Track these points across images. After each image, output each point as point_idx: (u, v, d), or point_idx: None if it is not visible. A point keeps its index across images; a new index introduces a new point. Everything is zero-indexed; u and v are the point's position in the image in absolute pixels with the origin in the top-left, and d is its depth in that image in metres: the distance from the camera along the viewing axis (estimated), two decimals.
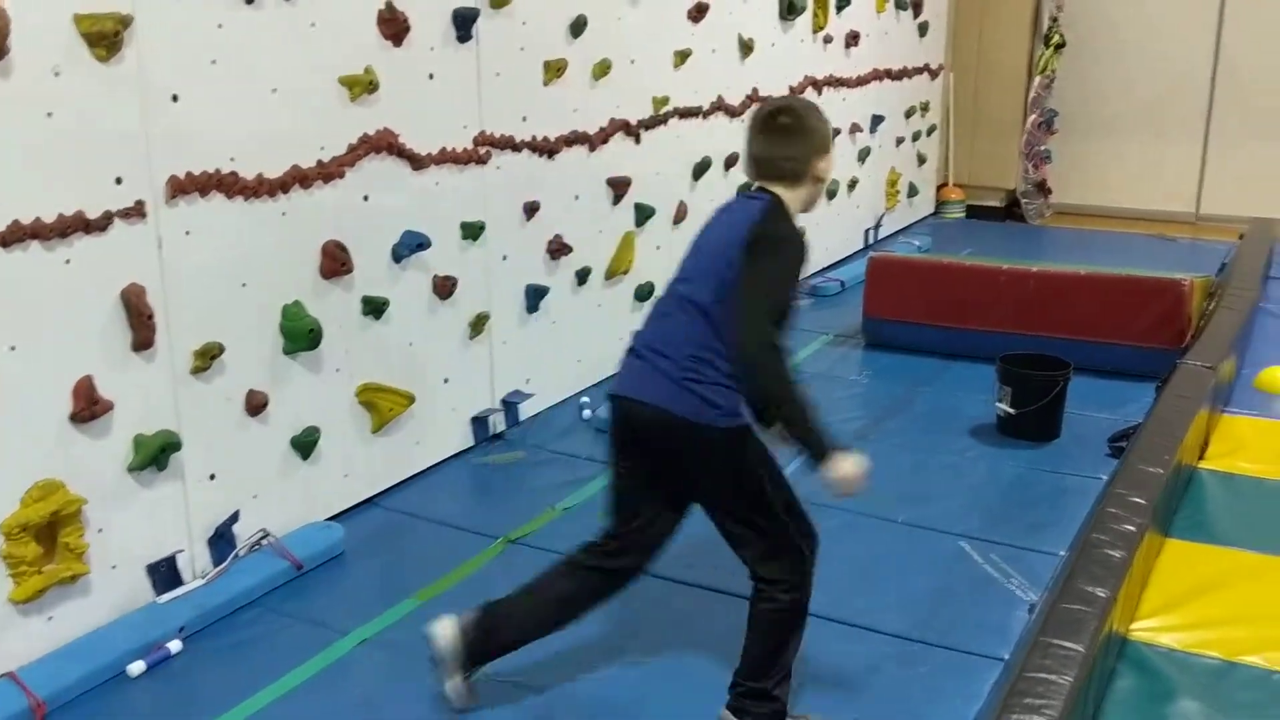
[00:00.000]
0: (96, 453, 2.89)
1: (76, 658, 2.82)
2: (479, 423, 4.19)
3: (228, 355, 3.19)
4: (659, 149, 5.10)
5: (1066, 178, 8.92)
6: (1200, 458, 4.06)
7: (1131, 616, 3.01)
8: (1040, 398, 4.27)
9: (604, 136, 4.68)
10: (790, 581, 2.49)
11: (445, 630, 2.60)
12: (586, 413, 4.52)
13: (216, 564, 3.23)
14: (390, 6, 3.54)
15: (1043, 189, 8.76)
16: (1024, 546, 3.45)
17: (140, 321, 2.92)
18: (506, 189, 4.17)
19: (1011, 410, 4.31)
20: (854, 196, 7.36)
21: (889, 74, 7.58)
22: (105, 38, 2.73)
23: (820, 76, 6.61)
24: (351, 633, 3.05)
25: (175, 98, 2.96)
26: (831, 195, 6.99)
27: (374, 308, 3.63)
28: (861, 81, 7.18)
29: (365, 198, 3.57)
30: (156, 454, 3.00)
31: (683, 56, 5.18)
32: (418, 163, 3.73)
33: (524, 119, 4.20)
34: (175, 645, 2.95)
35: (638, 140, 4.92)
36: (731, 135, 5.70)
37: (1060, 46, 8.56)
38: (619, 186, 4.82)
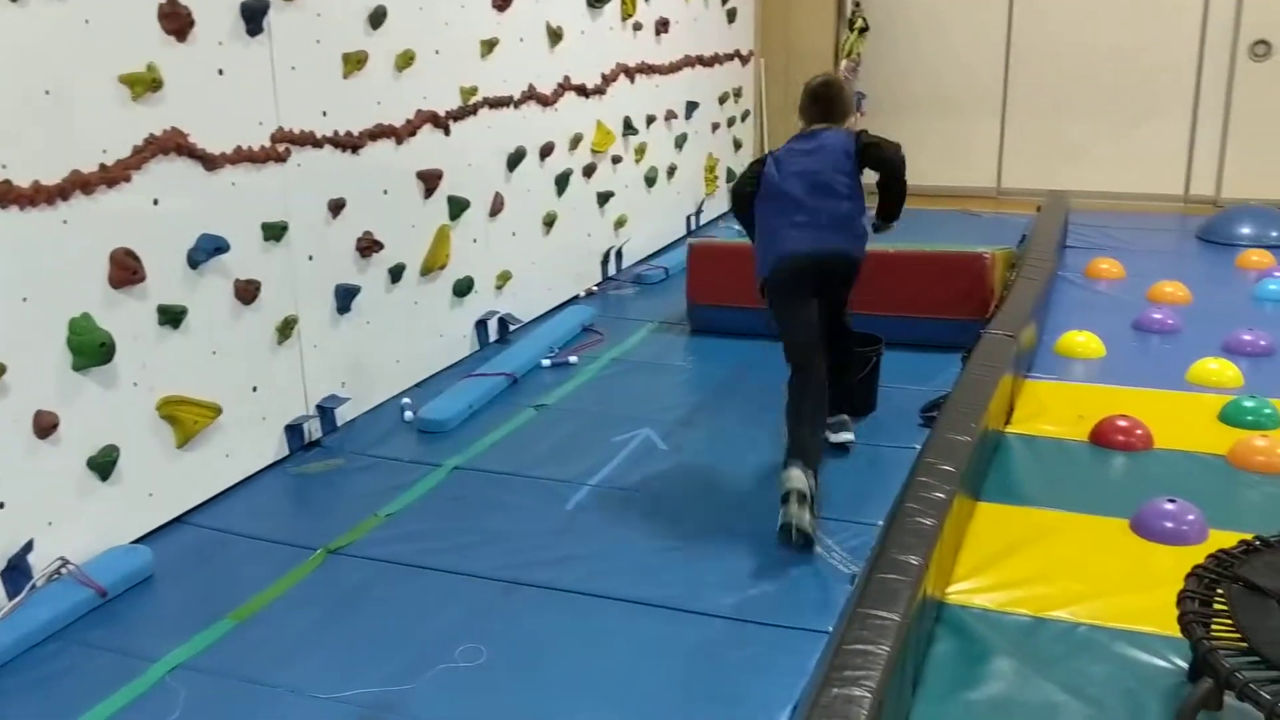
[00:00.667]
0: None
1: None
2: (293, 431, 4.05)
3: (10, 375, 2.98)
4: (470, 140, 5.01)
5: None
6: (1006, 423, 4.24)
7: (947, 581, 3.11)
8: (855, 373, 4.36)
9: (411, 129, 4.57)
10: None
11: (797, 475, 3.28)
12: (408, 414, 4.41)
13: (11, 597, 3.01)
14: (172, 1, 3.36)
15: None
16: (845, 519, 3.52)
17: None
18: (309, 187, 4.02)
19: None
20: (674, 183, 7.42)
21: (700, 60, 7.67)
22: None
23: (632, 64, 6.62)
24: (162, 659, 2.89)
25: None
26: (651, 182, 7.03)
27: (171, 317, 3.45)
28: (674, 68, 7.23)
29: (155, 201, 3.39)
30: None
31: (490, 46, 5.10)
32: (211, 163, 3.56)
33: (324, 114, 4.06)
34: None
35: (447, 132, 4.83)
36: (545, 124, 5.66)
37: (864, 30, 8.83)
38: (430, 179, 4.72)
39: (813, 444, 3.55)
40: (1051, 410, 4.40)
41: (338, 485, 3.90)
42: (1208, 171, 8.62)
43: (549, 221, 5.79)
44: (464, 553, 3.38)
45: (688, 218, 7.73)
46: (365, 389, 4.44)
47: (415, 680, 2.76)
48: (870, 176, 3.92)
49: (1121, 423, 4.08)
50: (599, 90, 6.21)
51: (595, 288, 6.35)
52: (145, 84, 3.30)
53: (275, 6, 3.77)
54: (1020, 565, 3.23)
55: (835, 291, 3.98)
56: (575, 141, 5.99)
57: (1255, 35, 8.29)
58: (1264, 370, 4.85)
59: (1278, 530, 2.85)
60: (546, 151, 5.69)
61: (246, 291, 3.75)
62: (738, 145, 8.59)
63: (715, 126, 8.07)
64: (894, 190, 3.96)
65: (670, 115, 7.25)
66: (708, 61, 7.80)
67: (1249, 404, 4.24)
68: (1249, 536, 2.82)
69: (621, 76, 6.49)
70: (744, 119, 8.67)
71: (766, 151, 4.45)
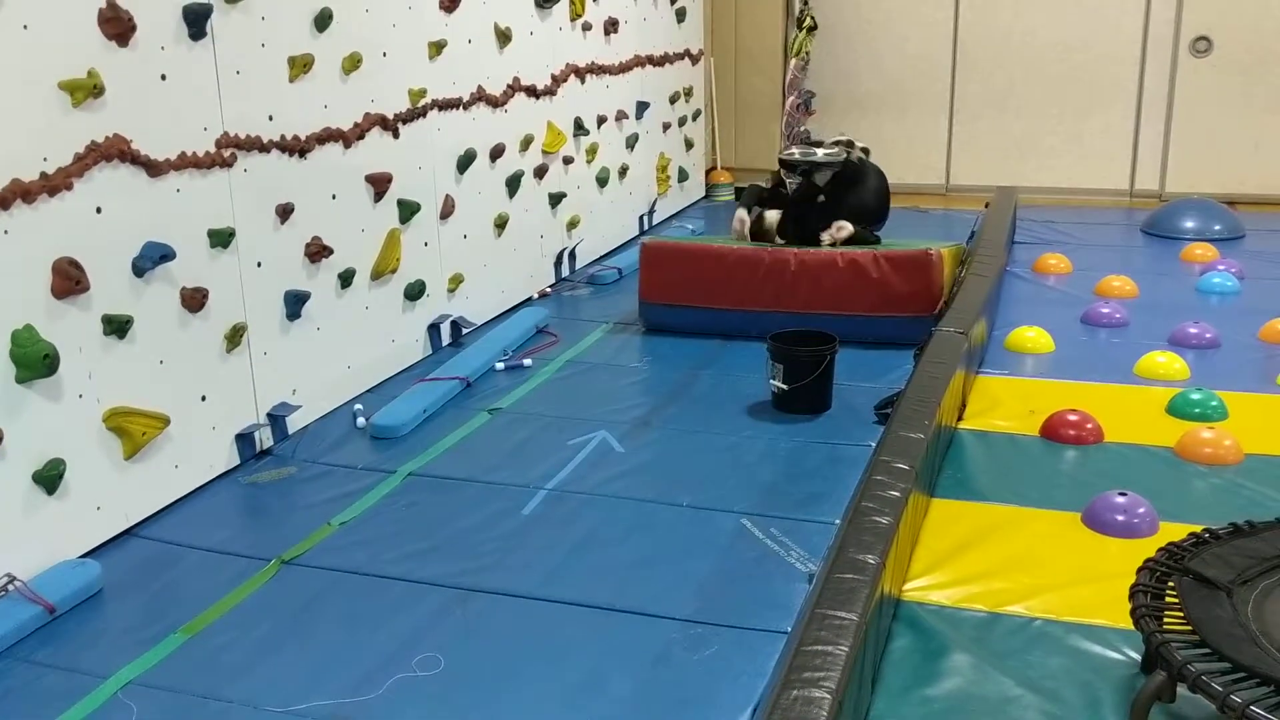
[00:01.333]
0: None
1: None
2: (244, 439, 3.99)
3: None
4: (419, 143, 4.97)
5: None
6: (959, 419, 4.27)
7: (903, 578, 3.13)
8: (810, 373, 4.39)
9: (359, 132, 4.52)
10: None
11: None
12: (360, 420, 4.37)
13: None
14: (112, 5, 3.30)
15: None
16: (801, 518, 3.53)
17: None
18: (256, 192, 3.97)
19: (784, 386, 4.41)
20: (626, 184, 7.41)
21: (650, 60, 7.66)
22: None
23: (582, 64, 6.60)
24: (113, 676, 2.83)
25: None
26: (603, 183, 7.02)
27: (117, 326, 3.39)
28: (624, 68, 7.23)
29: (98, 209, 3.33)
30: None
31: (438, 47, 5.06)
32: (155, 169, 3.50)
33: (270, 118, 4.01)
34: None
35: (396, 135, 4.78)
36: (496, 126, 5.63)
37: (813, 29, 8.87)
38: (379, 183, 4.67)
39: None
40: (1003, 405, 4.44)
41: (290, 494, 3.85)
42: (1152, 166, 8.74)
43: (500, 223, 5.76)
44: (420, 560, 3.35)
45: (640, 217, 7.72)
46: (317, 396, 4.39)
47: (373, 691, 2.73)
48: None
49: (1072, 417, 4.13)
50: (549, 91, 6.19)
51: (549, 289, 6.33)
52: (86, 90, 3.23)
53: (219, 10, 3.71)
54: (975, 561, 3.26)
55: None
56: (526, 143, 5.97)
57: (1196, 32, 8.43)
58: (1210, 362, 4.93)
59: (1226, 522, 2.90)
60: (497, 153, 5.66)
61: (194, 299, 3.69)
62: (689, 145, 8.59)
63: (666, 126, 8.07)
64: None
65: (621, 115, 7.24)
66: (658, 61, 7.80)
67: (1196, 396, 4.31)
68: (1198, 529, 2.86)
69: (572, 77, 6.47)
70: (695, 118, 8.68)
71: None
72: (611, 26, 6.95)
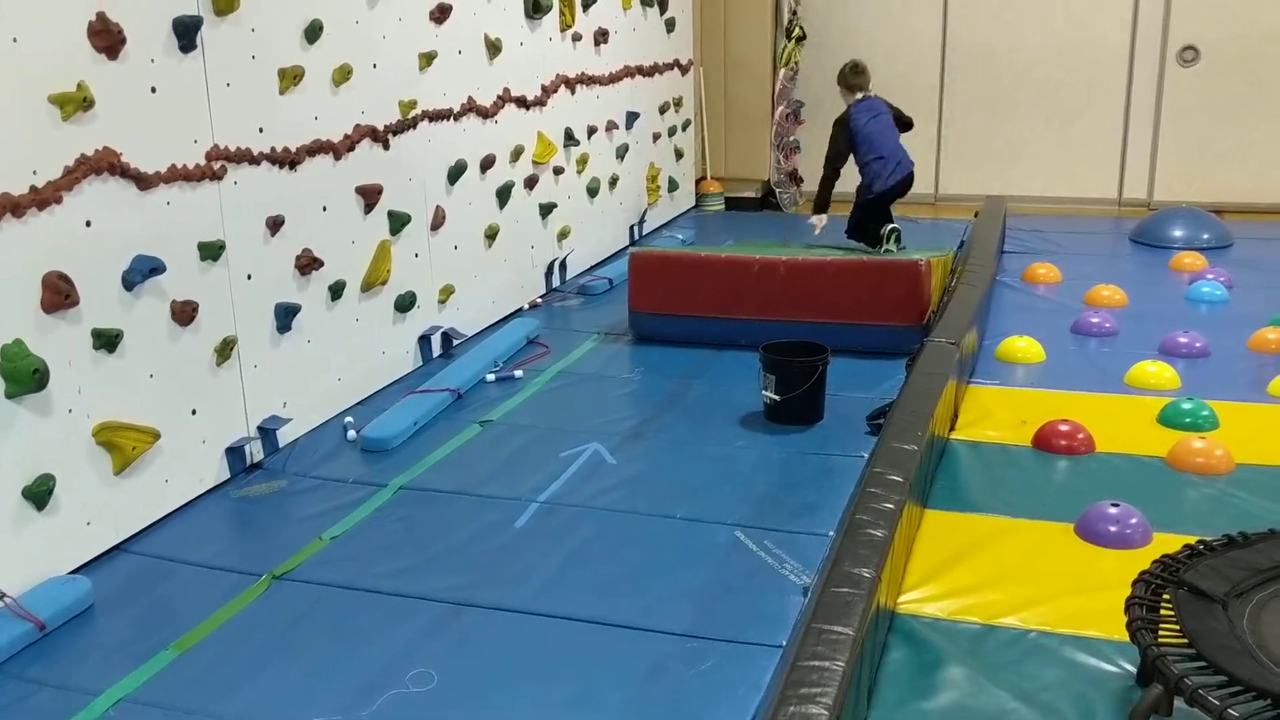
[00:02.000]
0: None
1: None
2: (234, 453, 3.97)
3: None
4: (410, 154, 4.96)
5: (815, 166, 9.24)
6: (951, 429, 4.27)
7: (898, 591, 3.13)
8: (802, 383, 4.38)
9: (350, 144, 4.51)
10: None
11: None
12: (351, 433, 4.35)
13: None
14: (102, 18, 3.29)
15: (794, 178, 9.08)
16: (795, 530, 3.52)
17: None
18: (247, 204, 3.95)
19: (777, 397, 4.41)
20: (616, 194, 7.41)
21: (640, 70, 7.67)
22: None
23: (572, 75, 6.60)
24: (104, 693, 2.81)
25: None
26: (594, 193, 7.02)
27: (106, 340, 3.37)
28: (614, 78, 7.23)
29: (88, 223, 3.31)
30: None
31: (428, 59, 5.05)
32: (145, 182, 3.48)
33: (261, 130, 4.00)
34: None
35: (386, 146, 4.77)
36: (486, 137, 5.63)
37: (801, 39, 8.88)
38: (369, 195, 4.66)
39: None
40: (995, 415, 4.44)
41: (281, 508, 3.83)
42: (1140, 175, 8.78)
43: (491, 234, 5.75)
44: (412, 574, 3.34)
45: (630, 227, 7.72)
46: (307, 408, 4.37)
47: (366, 707, 2.71)
48: None
49: (1063, 427, 4.13)
50: (539, 102, 6.19)
51: (539, 300, 6.32)
52: (76, 103, 3.22)
53: (209, 22, 3.70)
54: (969, 572, 3.26)
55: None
56: (516, 153, 5.96)
57: (1183, 41, 8.47)
58: (1200, 371, 4.94)
59: (1220, 533, 2.90)
60: (488, 164, 5.65)
61: (184, 313, 3.67)
62: (679, 154, 8.60)
63: (656, 136, 8.07)
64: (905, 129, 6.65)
65: (611, 125, 7.24)
66: (647, 71, 7.80)
67: (1187, 406, 4.32)
68: (1192, 540, 2.87)
69: (562, 88, 6.47)
70: (685, 128, 8.69)
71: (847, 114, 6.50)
72: (601, 37, 6.95)
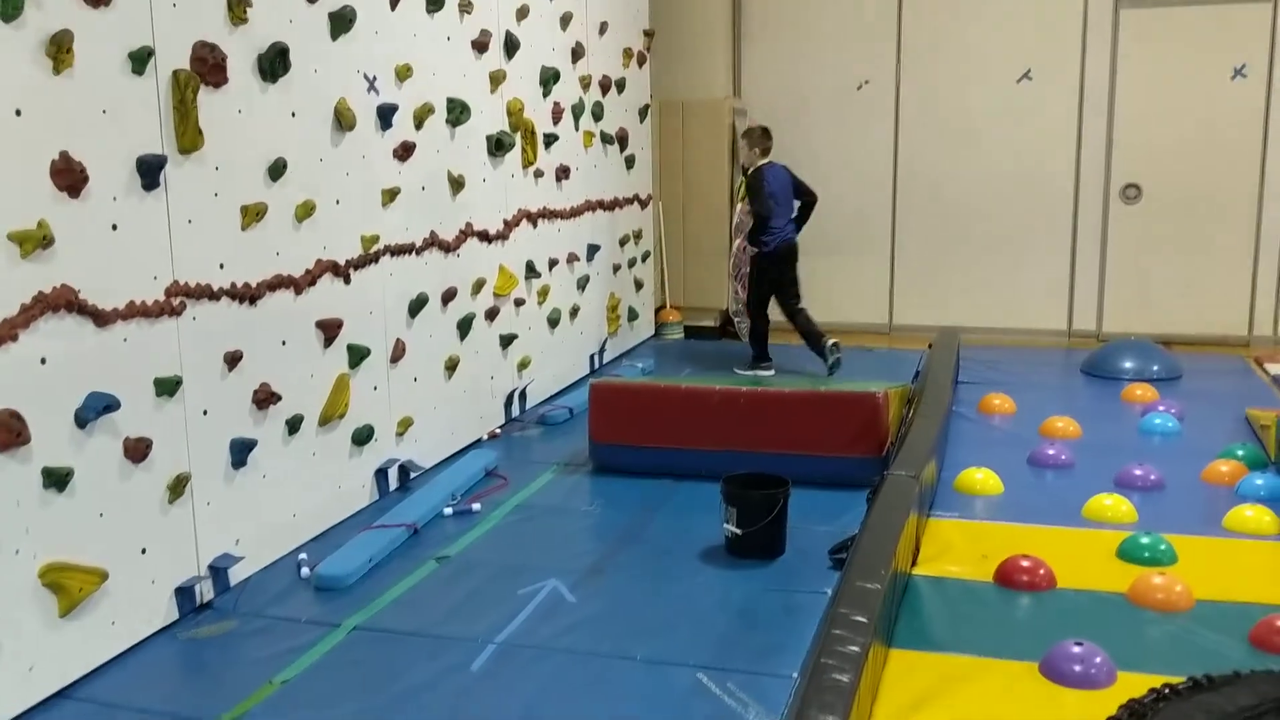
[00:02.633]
0: None
1: None
2: (184, 593, 3.86)
3: None
4: (371, 288, 4.98)
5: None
6: (913, 564, 4.25)
7: None
8: (763, 516, 4.37)
9: (311, 278, 4.52)
10: None
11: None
12: (305, 570, 4.26)
13: None
14: (65, 157, 3.30)
15: None
16: (759, 671, 3.46)
17: None
18: (204, 340, 3.93)
19: (738, 530, 4.39)
20: (576, 323, 7.46)
21: (601, 204, 7.81)
22: None
23: (534, 209, 6.71)
24: None
25: None
26: (555, 323, 7.07)
27: (56, 479, 3.30)
28: (575, 212, 7.35)
29: (43, 360, 3.27)
30: None
31: (391, 194, 5.12)
32: (102, 319, 3.46)
33: (221, 266, 4.00)
34: None
35: (347, 280, 4.79)
36: (448, 270, 5.67)
37: None
38: (329, 328, 4.66)
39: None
40: (956, 549, 4.43)
41: (230, 650, 3.72)
42: (1089, 307, 8.98)
43: (451, 366, 5.75)
44: None
45: (590, 357, 7.76)
46: (260, 545, 4.28)
47: None
48: None
49: (1024, 563, 4.13)
50: (501, 235, 6.26)
51: (498, 430, 6.29)
52: (35, 241, 3.21)
53: (173, 160, 3.73)
54: (936, 716, 3.20)
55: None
56: (478, 286, 6.01)
57: (1125, 180, 8.77)
58: (1156, 504, 4.97)
59: (1183, 672, 2.87)
60: (449, 297, 5.68)
61: (137, 450, 3.61)
62: (639, 285, 8.70)
63: (616, 268, 8.18)
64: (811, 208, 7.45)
65: (572, 258, 7.33)
66: (608, 206, 7.95)
67: (1145, 540, 4.33)
68: (1157, 681, 2.83)
69: (524, 221, 6.56)
70: (644, 260, 8.81)
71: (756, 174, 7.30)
72: (563, 173, 7.08)
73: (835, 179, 9.24)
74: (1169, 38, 8.51)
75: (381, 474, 5.13)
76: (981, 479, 5.21)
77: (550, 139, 6.85)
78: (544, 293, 6.90)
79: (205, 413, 3.95)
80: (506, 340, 6.38)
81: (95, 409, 3.42)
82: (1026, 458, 5.65)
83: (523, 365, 6.62)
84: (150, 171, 3.61)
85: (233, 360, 4.07)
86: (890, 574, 3.54)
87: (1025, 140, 8.89)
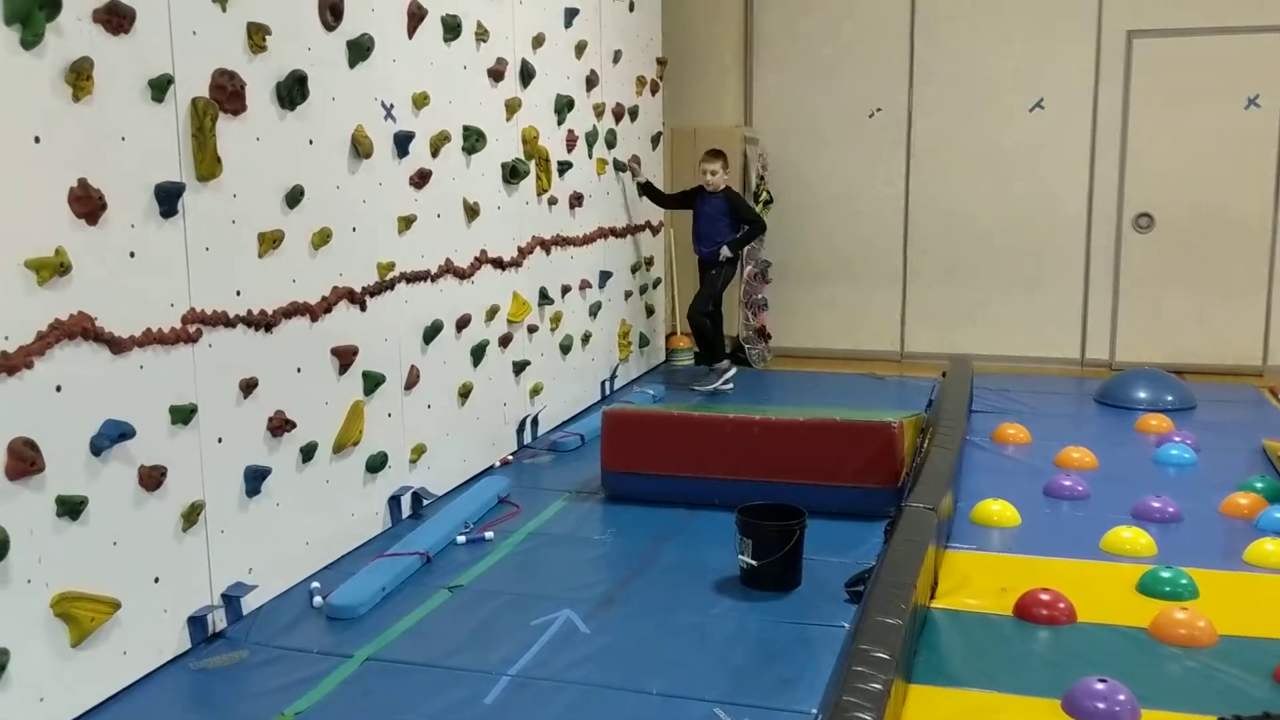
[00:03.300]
0: None
1: None
2: (196, 622, 3.83)
3: None
4: (386, 315, 4.97)
5: (783, 323, 9.39)
6: (931, 597, 4.21)
7: None
8: (779, 548, 4.33)
9: (326, 306, 4.51)
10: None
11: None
12: (318, 599, 4.23)
13: None
14: (83, 184, 3.30)
15: (762, 334, 9.19)
16: (775, 707, 3.42)
17: None
18: (220, 367, 3.92)
19: (754, 562, 4.35)
20: (588, 350, 7.45)
21: (614, 232, 7.81)
22: None
23: (548, 236, 6.70)
24: None
25: None
26: (566, 350, 7.06)
27: (70, 508, 3.28)
28: (588, 240, 7.35)
29: (58, 388, 3.25)
30: None
31: (407, 222, 5.11)
32: (118, 346, 3.45)
33: (238, 293, 3.99)
34: None
35: (363, 308, 4.78)
36: (462, 296, 5.66)
37: (769, 203, 9.11)
38: (344, 355, 4.64)
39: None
40: (974, 582, 4.39)
41: (241, 681, 3.68)
42: (1102, 336, 8.95)
43: (464, 392, 5.73)
44: None
45: (602, 383, 7.74)
46: (273, 574, 4.25)
47: None
48: None
49: (1044, 596, 4.08)
50: (515, 263, 6.26)
51: (511, 457, 6.27)
52: (52, 268, 3.20)
53: (191, 188, 3.73)
54: None
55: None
56: (492, 313, 6.00)
57: (1137, 209, 8.75)
58: (1175, 537, 4.93)
59: (1209, 711, 2.84)
60: (463, 323, 5.67)
61: (151, 478, 3.59)
62: (650, 311, 8.69)
63: (628, 294, 8.17)
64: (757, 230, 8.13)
65: (585, 284, 7.32)
66: (620, 233, 7.95)
67: (1165, 574, 4.29)
68: (1181, 719, 2.80)
69: (537, 249, 6.56)
70: (655, 286, 8.81)
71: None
72: (576, 200, 7.08)
73: (847, 206, 9.25)
74: (1182, 67, 8.51)
75: (394, 501, 5.10)
76: (998, 510, 5.17)
77: (564, 166, 6.85)
78: (556, 319, 6.89)
79: (220, 440, 3.93)
80: (519, 367, 6.36)
81: (110, 437, 3.40)
82: (1042, 488, 5.61)
83: (535, 392, 6.60)
84: (168, 199, 3.61)
85: (248, 387, 4.06)
86: (911, 609, 3.50)
87: (1038, 169, 8.88)
